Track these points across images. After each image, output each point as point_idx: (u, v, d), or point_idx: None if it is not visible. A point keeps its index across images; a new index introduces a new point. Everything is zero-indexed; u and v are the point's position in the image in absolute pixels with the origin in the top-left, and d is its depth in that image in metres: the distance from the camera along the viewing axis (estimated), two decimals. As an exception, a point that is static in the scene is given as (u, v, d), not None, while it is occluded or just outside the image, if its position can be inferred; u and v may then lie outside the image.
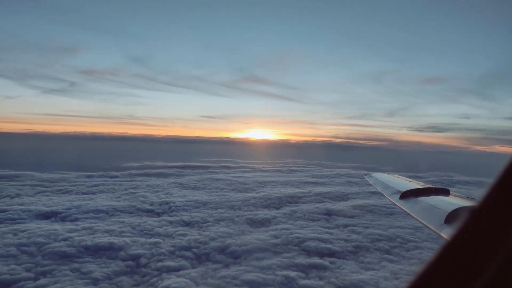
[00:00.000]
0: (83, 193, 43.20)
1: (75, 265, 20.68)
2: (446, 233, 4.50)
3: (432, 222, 5.07)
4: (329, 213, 36.88)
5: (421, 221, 5.38)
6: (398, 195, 6.98)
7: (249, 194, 45.81)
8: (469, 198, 6.40)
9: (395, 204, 6.80)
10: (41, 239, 24.08)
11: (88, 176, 56.73)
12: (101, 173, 60.82)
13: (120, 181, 53.95)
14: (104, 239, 24.93)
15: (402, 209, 6.32)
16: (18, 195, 39.81)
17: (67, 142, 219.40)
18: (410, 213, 5.93)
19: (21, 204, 34.55)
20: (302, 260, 23.51)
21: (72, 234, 25.69)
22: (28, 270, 19.63)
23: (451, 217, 4.90)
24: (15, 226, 26.94)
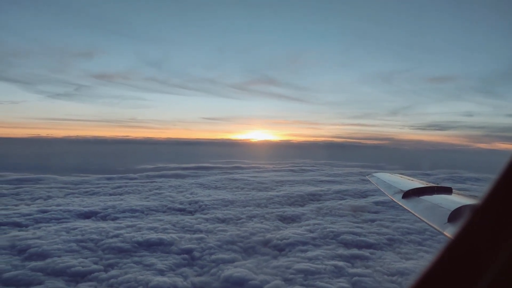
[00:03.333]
0: (110, 194, 44.40)
1: (136, 258, 21.95)
2: (450, 232, 4.45)
3: (435, 221, 5.05)
4: (353, 209, 38.27)
5: (424, 220, 5.35)
6: (401, 195, 6.97)
7: (271, 193, 47.11)
8: (472, 196, 6.46)
9: (398, 204, 6.84)
10: (94, 236, 25.31)
11: (108, 179, 57.89)
12: (120, 175, 62.06)
13: (141, 182, 55.18)
14: (153, 235, 26.17)
15: (405, 209, 6.30)
16: (49, 197, 40.96)
17: (70, 146, 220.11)
18: (413, 212, 5.89)
19: (58, 205, 35.71)
20: (343, 251, 24.84)
21: (120, 231, 26.93)
22: (95, 263, 20.88)
23: (454, 216, 4.87)
24: (64, 225, 28.15)
